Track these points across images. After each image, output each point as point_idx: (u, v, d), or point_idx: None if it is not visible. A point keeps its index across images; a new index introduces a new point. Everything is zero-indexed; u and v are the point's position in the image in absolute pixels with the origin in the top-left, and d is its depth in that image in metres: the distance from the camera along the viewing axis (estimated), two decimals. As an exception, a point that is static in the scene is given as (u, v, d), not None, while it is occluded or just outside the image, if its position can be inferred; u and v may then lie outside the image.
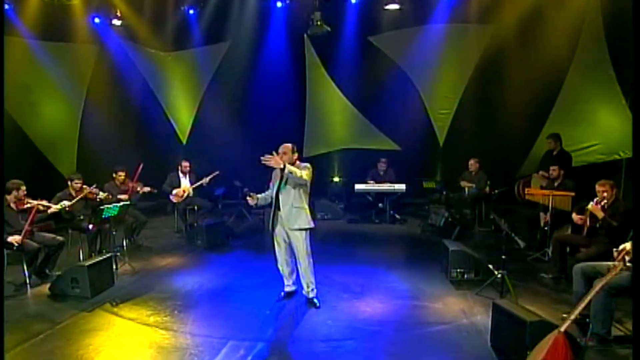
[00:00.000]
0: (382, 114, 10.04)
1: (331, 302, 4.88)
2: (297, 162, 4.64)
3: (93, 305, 4.83)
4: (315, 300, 4.79)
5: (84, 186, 6.52)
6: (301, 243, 4.63)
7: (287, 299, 4.95)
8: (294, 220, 4.57)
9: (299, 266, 4.76)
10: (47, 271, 5.67)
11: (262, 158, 4.17)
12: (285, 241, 4.74)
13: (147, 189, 7.41)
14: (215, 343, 4.01)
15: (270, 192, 4.75)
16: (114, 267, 5.94)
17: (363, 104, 10.28)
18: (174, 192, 7.98)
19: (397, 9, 8.74)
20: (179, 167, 8.19)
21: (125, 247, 7.10)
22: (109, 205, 5.92)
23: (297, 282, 4.96)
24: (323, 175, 10.54)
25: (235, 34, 9.69)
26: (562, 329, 3.26)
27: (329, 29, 8.87)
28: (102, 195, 6.55)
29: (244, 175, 7.95)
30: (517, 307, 3.89)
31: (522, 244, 4.76)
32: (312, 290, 4.82)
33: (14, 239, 5.24)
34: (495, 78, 9.00)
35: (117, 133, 9.98)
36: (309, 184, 4.62)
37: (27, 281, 5.43)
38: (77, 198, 6.26)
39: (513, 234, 4.83)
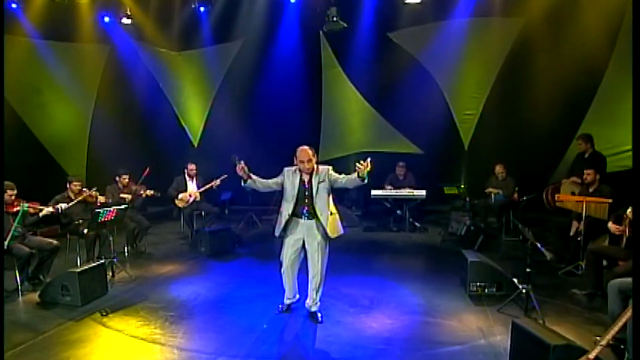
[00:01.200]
0: (403, 115, 9.73)
1: (335, 316, 4.61)
2: (315, 165, 4.40)
3: (82, 315, 4.70)
4: (318, 314, 4.54)
5: (84, 189, 6.47)
6: (323, 253, 4.42)
7: (287, 312, 4.72)
8: (334, 228, 4.39)
9: (312, 277, 4.48)
10: (41, 277, 5.60)
11: (360, 165, 3.96)
12: (300, 250, 4.50)
13: (150, 192, 7.33)
14: (204, 359, 3.80)
15: (280, 188, 4.47)
16: (111, 274, 5.86)
17: (382, 105, 10.00)
18: (180, 196, 7.88)
19: (417, 3, 8.44)
20: (185, 170, 8.08)
21: (126, 254, 7.06)
22: (104, 209, 5.81)
23: (300, 293, 4.73)
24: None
25: (247, 31, 9.58)
26: (593, 355, 2.92)
27: (345, 25, 8.65)
28: (101, 198, 6.47)
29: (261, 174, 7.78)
30: (541, 327, 3.53)
31: (548, 255, 4.38)
32: (316, 303, 4.58)
33: None
34: (525, 75, 8.59)
35: (127, 136, 10.03)
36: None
37: (19, 287, 5.37)
38: (75, 201, 6.20)
39: (539, 245, 4.45)
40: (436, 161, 9.57)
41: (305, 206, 4.38)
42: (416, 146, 9.98)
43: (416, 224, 8.59)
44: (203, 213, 8.08)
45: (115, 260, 6.00)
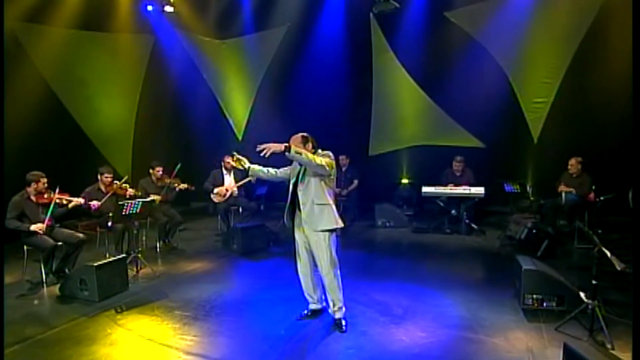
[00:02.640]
0: (462, 104, 9.15)
1: (362, 325, 4.29)
2: (316, 152, 4.19)
3: (97, 311, 4.73)
4: (342, 321, 4.26)
5: (115, 181, 6.58)
6: (324, 249, 4.13)
7: (310, 318, 4.46)
8: (317, 220, 4.09)
9: (323, 278, 4.25)
10: (66, 270, 5.73)
11: (258, 148, 3.73)
12: (306, 248, 4.30)
13: (183, 185, 7.36)
14: (208, 365, 3.64)
15: (285, 178, 4.38)
16: (135, 269, 5.89)
17: (438, 93, 9.46)
18: (216, 190, 7.82)
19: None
20: (223, 163, 8.05)
21: (158, 249, 7.13)
22: (127, 201, 5.85)
23: (325, 299, 4.45)
24: (389, 176, 9.91)
25: (289, 17, 9.42)
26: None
27: (397, 4, 8.26)
28: (131, 191, 6.54)
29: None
30: (602, 354, 2.99)
31: (618, 265, 3.77)
32: (340, 309, 4.29)
33: (37, 226, 5.36)
34: (606, 57, 7.74)
35: (171, 128, 10.21)
36: (333, 177, 4.15)
37: (44, 280, 5.52)
38: (107, 196, 6.31)
39: (607, 252, 3.86)
40: (499, 156, 8.90)
41: (298, 196, 4.18)
42: (477, 139, 9.35)
43: (473, 225, 8.00)
44: (241, 209, 8.02)
45: (134, 254, 6.02)
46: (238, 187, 7.92)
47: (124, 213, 5.79)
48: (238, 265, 6.41)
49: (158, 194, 7.19)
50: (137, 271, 5.92)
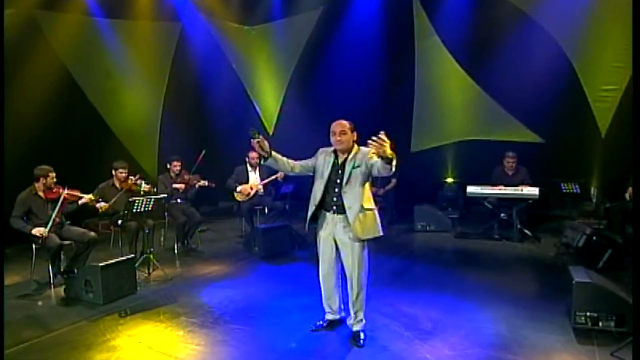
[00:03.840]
0: (516, 93, 8.68)
1: (383, 340, 4.12)
2: (355, 145, 4.04)
3: (99, 314, 4.78)
4: (360, 334, 4.11)
5: (130, 177, 6.67)
6: (358, 257, 4.01)
7: (326, 329, 4.34)
8: (367, 227, 3.93)
9: (350, 288, 4.13)
10: (75, 271, 5.83)
11: (372, 141, 3.45)
12: (334, 253, 4.16)
13: (204, 182, 7.38)
14: (206, 379, 3.57)
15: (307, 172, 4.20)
16: (147, 271, 5.95)
17: (489, 81, 9.05)
18: (239, 188, 7.82)
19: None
20: (247, 159, 8.02)
21: (176, 250, 7.19)
22: (139, 198, 5.90)
23: (346, 309, 4.34)
24: (432, 175, 9.61)
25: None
26: None
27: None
28: (144, 187, 6.61)
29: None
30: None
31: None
32: (360, 321, 4.16)
33: (39, 231, 5.48)
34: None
35: (197, 122, 10.31)
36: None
37: (51, 280, 5.66)
38: (118, 195, 6.39)
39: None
40: (559, 152, 8.46)
41: (334, 196, 4.00)
42: (533, 133, 8.89)
43: (526, 231, 7.59)
44: (267, 209, 7.97)
45: (146, 255, 6.08)
46: (264, 185, 7.88)
47: (135, 210, 5.85)
48: (257, 269, 6.36)
49: (177, 190, 7.25)
50: (149, 273, 5.97)
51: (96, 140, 9.06)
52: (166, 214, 7.47)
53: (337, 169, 4.01)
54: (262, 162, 4.16)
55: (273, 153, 4.05)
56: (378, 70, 9.49)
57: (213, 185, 7.49)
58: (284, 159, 4.14)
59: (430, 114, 9.84)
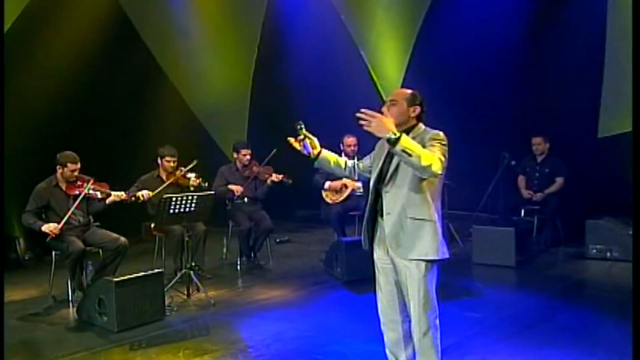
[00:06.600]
0: None
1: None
2: (420, 125, 3.66)
3: (107, 345, 4.76)
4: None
5: (181, 167, 6.79)
6: (416, 286, 3.60)
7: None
8: (409, 241, 3.58)
9: (412, 327, 3.75)
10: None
11: (359, 116, 3.37)
12: (391, 279, 3.79)
13: (278, 176, 7.27)
14: None
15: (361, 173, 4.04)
16: (187, 292, 5.96)
17: None
18: (327, 185, 7.62)
19: None
20: (342, 146, 7.80)
21: (239, 266, 7.23)
22: (178, 195, 5.91)
23: None
24: (625, 173, 8.59)
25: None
26: None
27: None
28: (193, 180, 6.65)
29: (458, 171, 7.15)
30: None
31: None
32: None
33: (48, 227, 5.64)
34: None
35: (301, 99, 10.36)
36: (441, 177, 3.59)
37: (70, 297, 5.87)
38: (161, 187, 6.50)
39: None
40: None
41: (383, 194, 3.66)
42: None
43: None
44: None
45: (185, 271, 6.04)
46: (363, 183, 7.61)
47: (172, 211, 5.87)
48: (332, 297, 6.16)
49: (242, 186, 7.27)
50: (188, 295, 5.94)
51: (176, 124, 9.55)
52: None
53: (390, 157, 3.64)
54: (311, 163, 3.95)
55: (324, 151, 3.86)
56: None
57: (290, 181, 7.36)
58: (341, 159, 3.96)
59: (626, 87, 8.86)
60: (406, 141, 3.23)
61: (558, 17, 9.13)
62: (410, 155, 3.23)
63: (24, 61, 7.68)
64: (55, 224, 5.67)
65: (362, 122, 3.31)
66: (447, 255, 3.63)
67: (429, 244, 3.56)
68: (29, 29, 7.68)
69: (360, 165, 3.99)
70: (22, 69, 7.59)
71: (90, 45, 8.39)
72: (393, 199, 3.58)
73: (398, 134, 3.21)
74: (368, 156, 3.97)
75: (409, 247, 3.56)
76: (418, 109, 3.61)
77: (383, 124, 3.27)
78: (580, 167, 8.37)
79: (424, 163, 3.25)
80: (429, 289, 3.62)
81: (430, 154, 3.32)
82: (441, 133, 3.56)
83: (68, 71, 8.07)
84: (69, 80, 8.06)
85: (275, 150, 7.19)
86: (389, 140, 3.23)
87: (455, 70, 9.76)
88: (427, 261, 3.58)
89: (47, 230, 5.64)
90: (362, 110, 3.29)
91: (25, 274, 7.14)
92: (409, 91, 3.68)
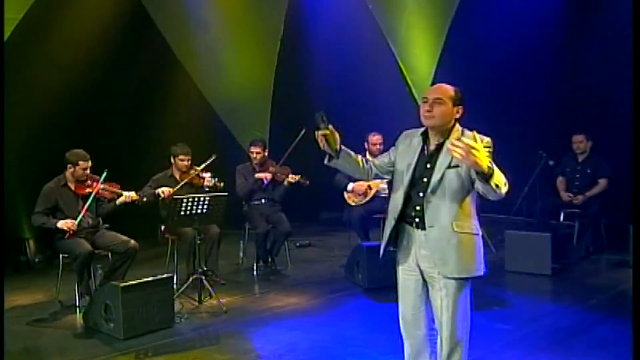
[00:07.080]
0: None
1: None
2: (457, 126, 3.55)
3: (112, 353, 4.78)
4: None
5: (195, 167, 6.79)
6: (453, 302, 3.53)
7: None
8: (456, 258, 3.48)
9: (438, 342, 3.65)
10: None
11: (452, 146, 3.17)
12: (420, 289, 3.68)
13: (295, 177, 7.23)
14: None
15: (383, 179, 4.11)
16: (198, 298, 5.95)
17: None
18: (350, 187, 7.56)
19: None
20: (366, 144, 7.75)
21: (255, 271, 7.23)
22: (191, 196, 5.90)
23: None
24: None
25: None
26: None
27: None
28: (208, 180, 6.65)
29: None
30: None
31: None
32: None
33: (65, 223, 5.66)
34: None
35: (325, 92, 10.33)
36: None
37: (77, 302, 5.88)
38: (177, 187, 6.51)
39: None
40: None
41: (417, 204, 3.49)
42: None
43: None
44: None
45: (197, 276, 6.04)
46: (388, 183, 7.52)
47: (183, 213, 5.87)
48: (351, 305, 6.12)
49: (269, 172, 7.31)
50: (200, 302, 5.92)
51: (194, 120, 9.65)
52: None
53: (426, 160, 3.49)
54: (326, 160, 3.71)
55: (343, 148, 3.63)
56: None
57: (307, 183, 7.31)
58: (359, 157, 3.75)
59: None
60: (498, 177, 3.16)
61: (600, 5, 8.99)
62: (497, 187, 3.18)
63: (36, 54, 7.74)
64: (72, 220, 5.69)
65: (454, 152, 3.11)
66: (485, 270, 3.57)
67: (474, 260, 3.51)
68: (44, 20, 7.74)
69: (376, 162, 3.82)
70: (34, 62, 7.69)
71: (106, 38, 8.45)
72: (436, 211, 3.45)
73: (492, 170, 3.12)
74: (386, 153, 3.82)
75: (455, 264, 3.47)
76: (462, 110, 3.51)
77: (479, 157, 3.10)
78: (625, 167, 8.15)
79: (504, 191, 3.22)
80: (466, 305, 3.57)
81: (503, 178, 3.24)
82: (490, 141, 3.48)
83: (81, 65, 8.12)
84: (82, 77, 8.11)
85: (303, 131, 7.17)
86: (484, 174, 3.14)
87: (490, 63, 9.64)
88: (467, 279, 3.53)
89: (64, 227, 5.66)
90: (463, 139, 3.13)
91: (33, 278, 7.17)
92: (453, 89, 3.53)
